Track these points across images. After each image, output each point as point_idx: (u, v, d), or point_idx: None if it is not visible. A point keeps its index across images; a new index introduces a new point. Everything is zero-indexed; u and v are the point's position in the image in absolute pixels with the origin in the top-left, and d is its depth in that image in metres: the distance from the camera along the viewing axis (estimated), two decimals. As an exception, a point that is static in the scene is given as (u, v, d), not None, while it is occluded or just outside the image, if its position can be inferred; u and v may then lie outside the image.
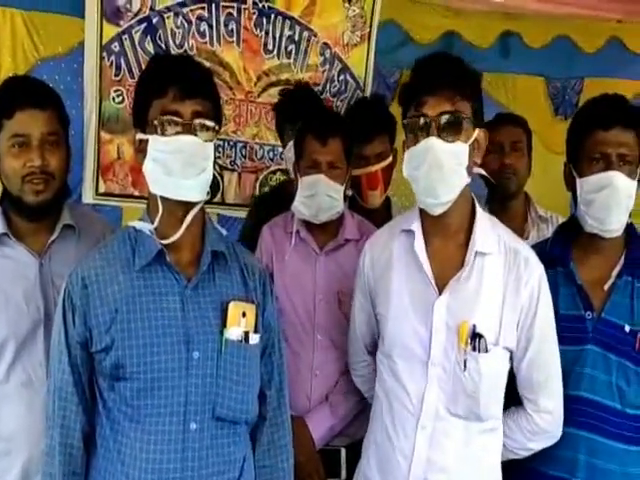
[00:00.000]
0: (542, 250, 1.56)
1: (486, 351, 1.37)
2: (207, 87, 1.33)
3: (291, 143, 2.16)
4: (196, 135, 1.27)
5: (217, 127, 1.32)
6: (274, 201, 2.23)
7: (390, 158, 2.08)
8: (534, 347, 1.42)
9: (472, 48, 3.50)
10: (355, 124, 2.05)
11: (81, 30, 2.72)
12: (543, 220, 2.26)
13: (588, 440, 1.49)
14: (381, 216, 2.05)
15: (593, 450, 1.49)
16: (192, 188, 1.29)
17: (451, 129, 1.35)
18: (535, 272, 1.41)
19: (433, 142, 1.34)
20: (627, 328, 1.49)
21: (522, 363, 1.43)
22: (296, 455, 1.48)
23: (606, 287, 1.52)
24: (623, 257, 1.54)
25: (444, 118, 1.34)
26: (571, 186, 1.56)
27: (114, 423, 1.30)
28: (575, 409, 1.48)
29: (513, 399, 1.47)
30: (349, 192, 1.89)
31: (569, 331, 1.48)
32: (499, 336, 1.39)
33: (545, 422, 1.46)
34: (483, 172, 1.57)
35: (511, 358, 1.44)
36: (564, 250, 1.57)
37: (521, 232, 2.13)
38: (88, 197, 2.79)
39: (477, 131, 1.39)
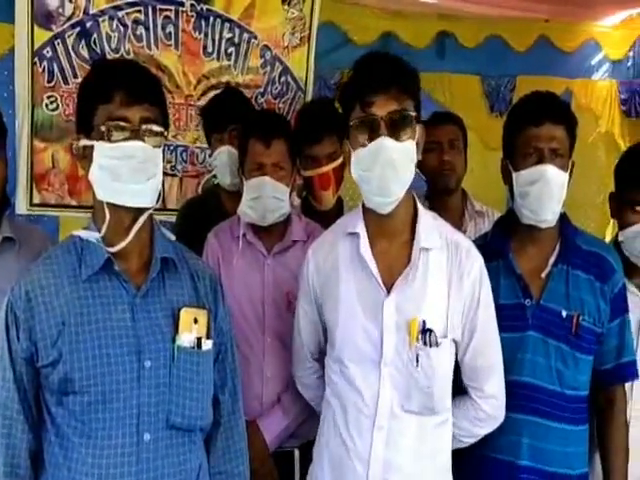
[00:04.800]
0: (483, 243, 1.61)
1: (437, 345, 1.39)
2: (155, 92, 1.32)
3: (220, 149, 2.15)
4: (144, 141, 1.26)
5: (165, 132, 1.31)
6: (206, 207, 2.21)
7: (341, 158, 2.10)
8: (478, 335, 1.45)
9: (409, 48, 3.58)
10: (305, 125, 2.07)
11: (11, 36, 2.64)
12: (479, 214, 2.34)
13: (531, 423, 1.55)
14: (334, 217, 2.04)
15: (536, 433, 1.55)
16: (142, 194, 1.27)
17: (400, 128, 1.36)
18: (476, 263, 1.45)
19: (385, 142, 1.34)
20: (564, 313, 1.56)
21: (467, 352, 1.47)
22: (249, 460, 1.47)
23: (543, 275, 1.59)
24: (558, 246, 1.60)
25: (393, 117, 1.35)
26: (508, 180, 1.62)
27: (63, 439, 1.26)
28: (518, 394, 1.53)
29: (455, 389, 1.51)
30: (297, 199, 1.89)
31: (510, 319, 1.53)
32: (447, 328, 1.42)
33: (491, 407, 1.50)
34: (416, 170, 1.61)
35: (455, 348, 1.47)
36: (503, 242, 1.63)
37: (459, 226, 2.19)
38: (22, 208, 2.70)
39: (418, 128, 1.41)
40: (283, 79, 3.29)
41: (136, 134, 1.25)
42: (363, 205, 1.48)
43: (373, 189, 1.39)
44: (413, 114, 1.37)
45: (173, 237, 1.43)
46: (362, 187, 1.41)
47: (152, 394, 1.27)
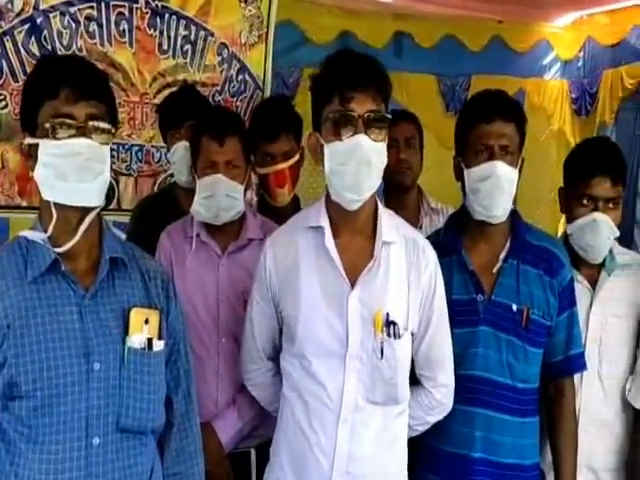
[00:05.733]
0: (436, 239, 1.64)
1: (399, 337, 1.42)
2: (102, 89, 1.29)
3: (177, 145, 2.13)
4: (91, 138, 1.23)
5: (113, 130, 1.28)
6: (161, 206, 2.19)
7: (297, 156, 2.10)
8: (432, 328, 1.49)
9: (367, 48, 3.61)
10: (261, 123, 2.06)
11: (-42, 32, 2.56)
12: (435, 211, 2.37)
13: (483, 416, 1.58)
14: (290, 214, 2.05)
15: (488, 425, 1.58)
16: (89, 192, 1.24)
17: (377, 128, 1.38)
18: (432, 258, 1.49)
19: (362, 140, 1.35)
20: (514, 307, 1.59)
21: (422, 343, 1.50)
22: (205, 463, 1.45)
23: (494, 270, 1.62)
24: (509, 242, 1.64)
25: (371, 116, 1.36)
26: (460, 177, 1.65)
27: (10, 445, 1.23)
28: (470, 387, 1.56)
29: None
30: (252, 193, 1.88)
31: (463, 314, 1.56)
32: (407, 321, 1.45)
33: (443, 396, 1.53)
34: None
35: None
36: (456, 238, 1.66)
37: (415, 223, 2.22)
38: (-31, 210, 2.63)
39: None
40: (241, 77, 3.27)
41: (82, 131, 1.22)
42: (326, 199, 1.48)
43: (345, 185, 1.40)
44: (388, 116, 1.39)
45: (123, 236, 1.41)
46: (333, 181, 1.41)
47: (101, 397, 1.24)
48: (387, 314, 1.42)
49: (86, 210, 1.26)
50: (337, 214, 1.46)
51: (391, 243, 1.45)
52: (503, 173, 1.56)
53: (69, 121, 1.22)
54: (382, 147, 1.40)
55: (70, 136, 1.22)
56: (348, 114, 1.36)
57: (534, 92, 4.16)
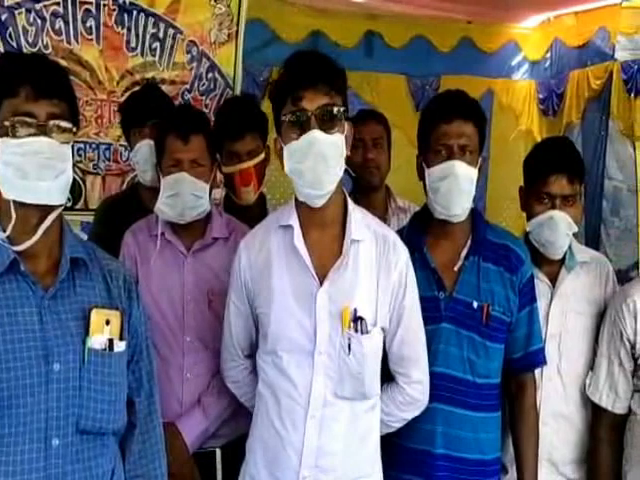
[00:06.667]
0: (400, 237, 1.65)
1: (367, 332, 1.44)
2: (62, 87, 1.28)
3: (141, 143, 2.12)
4: (52, 137, 1.22)
5: (74, 128, 1.28)
6: (126, 206, 2.17)
7: (262, 155, 2.10)
8: (404, 324, 1.51)
9: (338, 47, 3.63)
10: (226, 121, 2.05)
11: None
12: (402, 210, 2.40)
13: (445, 412, 1.60)
14: (256, 213, 2.06)
15: (449, 421, 1.61)
16: (50, 191, 1.23)
17: (330, 121, 1.40)
18: (402, 255, 1.51)
19: (316, 135, 1.38)
20: (475, 304, 1.61)
21: (394, 340, 1.52)
22: (169, 463, 1.45)
23: (456, 268, 1.64)
24: (470, 240, 1.66)
25: (323, 111, 1.39)
26: (422, 176, 1.67)
27: None
28: (432, 384, 1.58)
29: (384, 377, 1.55)
30: (221, 191, 1.87)
31: (425, 311, 1.57)
32: (376, 317, 1.47)
33: (416, 392, 1.55)
34: (345, 166, 1.63)
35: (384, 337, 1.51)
36: (418, 236, 1.68)
37: (383, 222, 2.23)
38: None
39: (346, 123, 1.45)
40: (210, 75, 3.26)
41: (42, 130, 1.22)
42: (296, 198, 1.50)
43: (305, 182, 1.42)
44: (342, 109, 1.41)
45: (85, 236, 1.40)
46: (295, 180, 1.44)
47: (61, 398, 1.23)
48: (355, 310, 1.43)
49: (47, 209, 1.25)
50: (305, 213, 1.48)
51: (360, 241, 1.47)
52: (461, 172, 1.58)
53: (29, 120, 1.21)
54: (338, 139, 1.41)
55: (30, 135, 1.21)
56: (300, 112, 1.39)
57: (502, 92, 4.22)
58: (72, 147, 1.29)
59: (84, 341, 1.27)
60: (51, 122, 1.23)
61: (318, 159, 1.39)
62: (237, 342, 1.61)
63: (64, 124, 1.24)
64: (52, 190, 1.24)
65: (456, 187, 1.58)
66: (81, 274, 1.32)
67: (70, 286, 1.30)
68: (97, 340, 1.28)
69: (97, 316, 1.29)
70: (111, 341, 1.30)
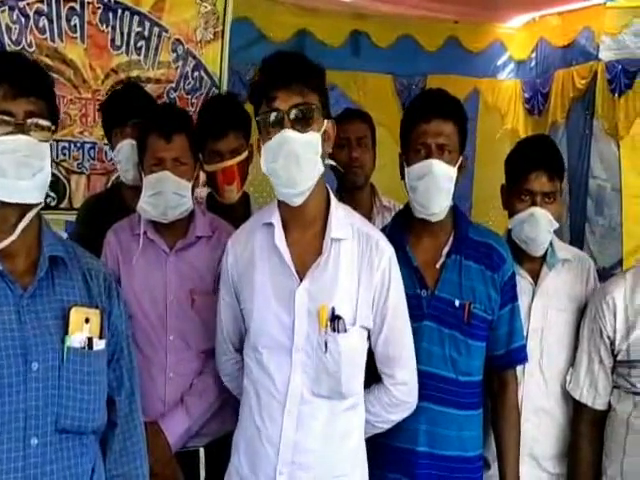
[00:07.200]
0: None
1: (345, 331, 1.44)
2: (41, 85, 1.28)
3: (123, 142, 2.11)
4: (30, 135, 1.22)
5: (53, 127, 1.27)
6: (108, 205, 2.16)
7: (246, 153, 2.10)
8: (388, 324, 1.51)
9: (324, 47, 3.63)
10: (209, 120, 2.05)
11: None
12: (387, 209, 2.41)
13: (428, 410, 1.60)
14: (239, 211, 2.06)
15: (432, 419, 1.61)
16: (29, 189, 1.23)
17: (303, 120, 1.40)
18: (385, 254, 1.50)
19: (288, 134, 1.38)
20: (457, 302, 1.62)
21: (379, 340, 1.52)
22: (152, 462, 1.44)
23: (438, 266, 1.65)
24: (451, 238, 1.67)
25: (296, 110, 1.39)
26: (403, 175, 1.67)
27: None
28: None
29: (373, 377, 1.55)
30: (204, 190, 1.86)
31: (408, 309, 1.57)
32: (356, 316, 1.46)
33: (402, 393, 1.55)
34: (333, 163, 1.64)
35: (369, 337, 1.52)
36: (400, 235, 1.68)
37: (367, 220, 2.24)
38: None
39: (326, 122, 1.45)
40: (196, 74, 3.25)
41: (20, 128, 1.22)
42: None
43: (280, 181, 1.43)
44: (316, 107, 1.42)
45: (65, 235, 1.39)
46: (272, 180, 1.45)
47: (40, 397, 1.22)
48: (333, 309, 1.44)
49: (25, 207, 1.25)
50: (285, 211, 1.48)
51: (341, 240, 1.47)
52: (439, 171, 1.59)
53: (7, 118, 1.21)
54: (312, 138, 1.41)
55: (8, 133, 1.21)
56: (272, 113, 1.40)
57: (488, 92, 4.24)
58: (56, 146, 1.30)
59: (63, 340, 1.27)
60: (29, 120, 1.22)
61: (290, 158, 1.39)
62: (228, 336, 1.62)
63: (42, 122, 1.24)
64: (30, 189, 1.24)
65: (434, 186, 1.59)
66: (60, 273, 1.31)
67: (49, 285, 1.29)
68: (76, 339, 1.28)
69: (76, 314, 1.29)
70: (90, 339, 1.29)
